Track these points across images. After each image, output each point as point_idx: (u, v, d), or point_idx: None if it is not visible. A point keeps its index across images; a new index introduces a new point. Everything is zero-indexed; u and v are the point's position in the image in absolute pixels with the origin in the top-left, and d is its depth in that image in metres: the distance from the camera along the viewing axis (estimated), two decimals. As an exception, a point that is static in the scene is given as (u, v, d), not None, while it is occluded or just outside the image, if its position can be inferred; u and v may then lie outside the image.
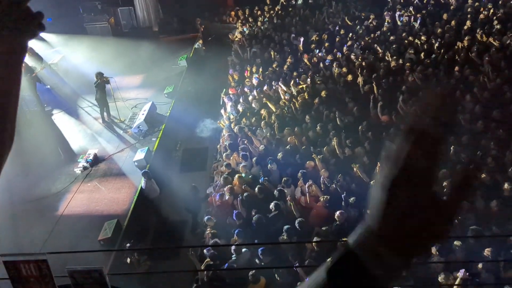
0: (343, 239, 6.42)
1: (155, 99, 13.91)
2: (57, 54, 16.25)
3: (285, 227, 6.93)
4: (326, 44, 14.19)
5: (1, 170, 0.93)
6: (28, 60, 13.77)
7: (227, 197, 8.15)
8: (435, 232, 0.63)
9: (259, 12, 18.96)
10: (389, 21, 15.00)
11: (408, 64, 11.37)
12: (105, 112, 13.09)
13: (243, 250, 6.95)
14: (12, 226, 8.73)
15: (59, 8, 17.25)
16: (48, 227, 9.05)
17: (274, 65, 13.41)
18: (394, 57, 11.98)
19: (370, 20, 15.42)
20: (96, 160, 11.24)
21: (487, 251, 5.85)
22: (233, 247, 6.91)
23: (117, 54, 16.18)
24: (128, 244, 7.71)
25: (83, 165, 10.98)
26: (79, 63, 15.60)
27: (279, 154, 8.90)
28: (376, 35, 14.21)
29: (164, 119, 13.07)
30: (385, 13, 16.02)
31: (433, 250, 6.06)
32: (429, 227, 0.62)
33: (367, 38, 14.07)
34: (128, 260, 7.49)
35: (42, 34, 16.65)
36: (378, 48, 12.96)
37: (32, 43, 15.46)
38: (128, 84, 14.96)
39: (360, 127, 9.16)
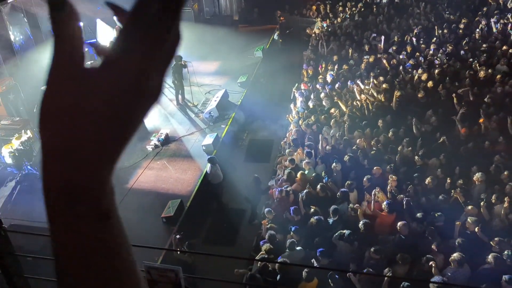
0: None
1: (228, 87, 14.18)
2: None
3: (346, 232, 6.75)
4: (408, 47, 13.53)
5: None
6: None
7: (288, 192, 8.12)
8: None
9: (340, 8, 18.54)
10: (483, 27, 13.93)
11: (499, 76, 10.51)
12: (180, 95, 13.58)
13: (298, 248, 6.90)
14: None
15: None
16: (117, 198, 9.59)
17: (350, 63, 13.06)
18: (483, 67, 11.13)
19: (461, 25, 14.44)
20: (167, 140, 11.73)
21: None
22: (288, 242, 6.89)
23: (197, 40, 16.65)
24: (178, 236, 7.91)
25: (155, 143, 11.51)
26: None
27: (345, 156, 8.68)
28: (465, 41, 13.29)
29: (235, 107, 13.28)
30: (477, 19, 14.92)
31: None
32: None
33: (454, 44, 13.20)
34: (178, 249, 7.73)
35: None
36: (466, 55, 12.11)
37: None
38: (204, 70, 15.37)
39: (443, 139, 8.63)
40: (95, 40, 14.95)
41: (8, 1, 12.37)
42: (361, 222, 6.88)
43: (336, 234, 6.86)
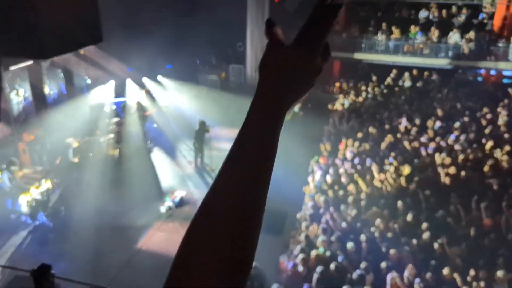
0: None
1: (247, 154, 14.26)
2: (169, 98, 17.75)
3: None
4: (430, 131, 13.55)
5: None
6: (143, 99, 15.24)
7: (301, 269, 7.77)
8: None
9: (363, 87, 19.02)
10: (505, 118, 13.97)
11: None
12: (199, 158, 13.72)
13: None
14: (94, 248, 9.21)
15: (179, 57, 19.05)
16: (125, 257, 9.39)
17: (370, 142, 13.08)
18: (506, 156, 10.97)
19: (483, 114, 14.52)
20: (182, 203, 11.64)
21: None
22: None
23: (221, 107, 17.18)
24: None
25: (168, 205, 11.42)
26: (185, 109, 16.83)
27: (362, 236, 8.38)
28: (488, 130, 13.26)
29: (252, 175, 13.23)
30: (499, 109, 15.02)
31: None
32: None
33: (476, 132, 13.19)
34: None
35: (160, 78, 18.45)
36: (488, 143, 12.00)
37: (151, 85, 17.16)
38: (226, 135, 15.59)
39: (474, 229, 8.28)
40: (124, 98, 15.60)
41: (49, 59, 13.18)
42: None
43: None
